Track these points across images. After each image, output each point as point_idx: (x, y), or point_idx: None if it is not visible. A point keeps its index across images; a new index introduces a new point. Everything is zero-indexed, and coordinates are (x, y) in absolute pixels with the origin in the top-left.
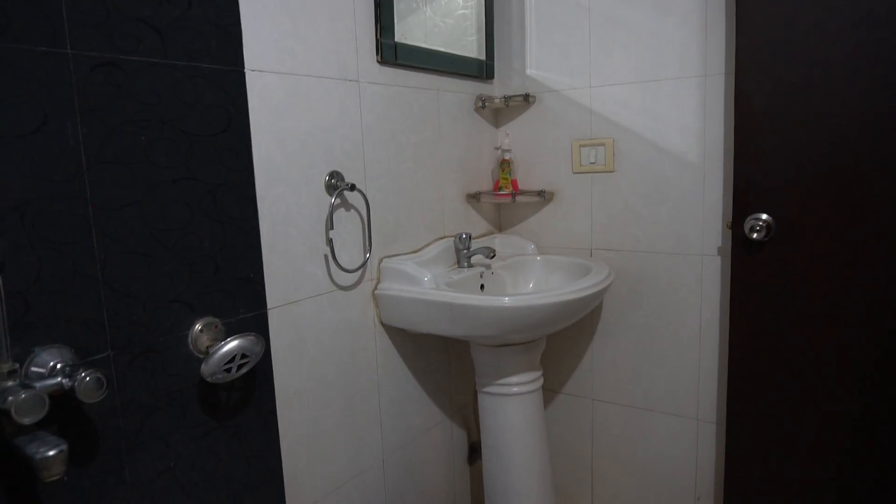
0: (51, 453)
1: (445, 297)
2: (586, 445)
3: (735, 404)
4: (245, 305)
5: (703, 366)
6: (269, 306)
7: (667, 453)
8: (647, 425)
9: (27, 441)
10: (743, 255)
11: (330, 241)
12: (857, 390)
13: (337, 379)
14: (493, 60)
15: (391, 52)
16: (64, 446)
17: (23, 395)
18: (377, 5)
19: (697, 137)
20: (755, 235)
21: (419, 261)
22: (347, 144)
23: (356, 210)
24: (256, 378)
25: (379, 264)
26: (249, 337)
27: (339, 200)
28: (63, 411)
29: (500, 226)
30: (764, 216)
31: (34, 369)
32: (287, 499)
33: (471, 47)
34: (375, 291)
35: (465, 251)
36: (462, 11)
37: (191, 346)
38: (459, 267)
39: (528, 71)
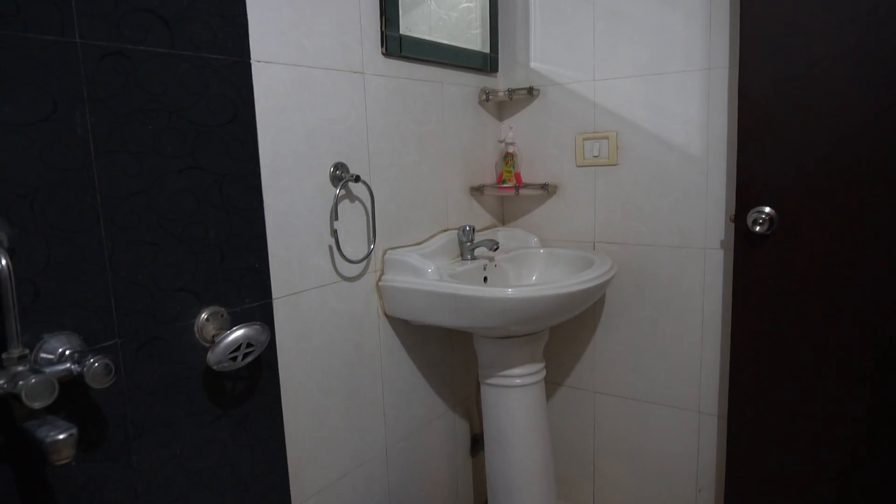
0: (61, 437)
1: (449, 289)
2: (588, 438)
3: (737, 397)
4: (250, 295)
5: (705, 359)
6: (274, 296)
7: (668, 446)
8: (648, 418)
9: (37, 425)
10: (745, 249)
11: (335, 233)
12: (859, 384)
13: (341, 369)
14: (497, 53)
15: (396, 45)
16: (74, 430)
17: (33, 380)
18: None
19: (701, 131)
20: (758, 228)
21: (423, 253)
22: (352, 136)
23: (360, 202)
24: (261, 367)
25: (383, 256)
26: (255, 326)
27: (343, 192)
28: (72, 397)
29: (503, 219)
30: (767, 209)
31: (43, 355)
32: (291, 487)
33: (475, 40)
34: (379, 283)
35: (468, 244)
36: (466, 4)
37: (197, 335)
38: (463, 259)
39: (532, 64)
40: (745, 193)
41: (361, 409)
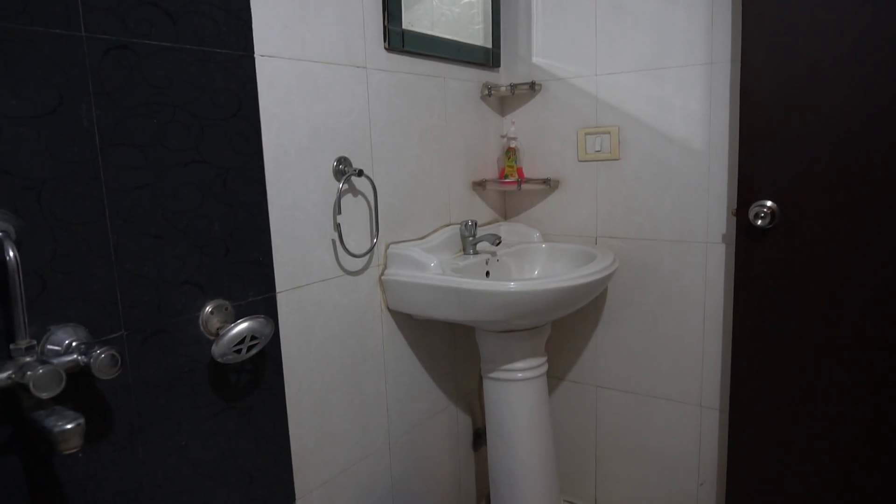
0: (69, 426)
1: (451, 283)
2: (590, 432)
3: (738, 391)
4: (254, 288)
5: (707, 353)
6: (277, 290)
7: (670, 439)
8: (650, 412)
9: (45, 415)
10: (747, 242)
11: (338, 227)
12: (860, 377)
13: (344, 363)
14: (499, 48)
15: (399, 40)
16: (81, 420)
17: (40, 370)
18: None
19: (702, 125)
20: (759, 222)
21: (426, 247)
22: (355, 130)
23: (363, 196)
24: (265, 360)
25: (386, 250)
26: (259, 319)
27: (346, 186)
28: (78, 389)
29: (505, 213)
30: (769, 203)
31: (50, 347)
32: (295, 479)
33: (477, 35)
34: (382, 277)
35: (470, 238)
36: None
37: (201, 328)
38: (465, 254)
39: (534, 59)
40: (747, 187)
41: (364, 403)
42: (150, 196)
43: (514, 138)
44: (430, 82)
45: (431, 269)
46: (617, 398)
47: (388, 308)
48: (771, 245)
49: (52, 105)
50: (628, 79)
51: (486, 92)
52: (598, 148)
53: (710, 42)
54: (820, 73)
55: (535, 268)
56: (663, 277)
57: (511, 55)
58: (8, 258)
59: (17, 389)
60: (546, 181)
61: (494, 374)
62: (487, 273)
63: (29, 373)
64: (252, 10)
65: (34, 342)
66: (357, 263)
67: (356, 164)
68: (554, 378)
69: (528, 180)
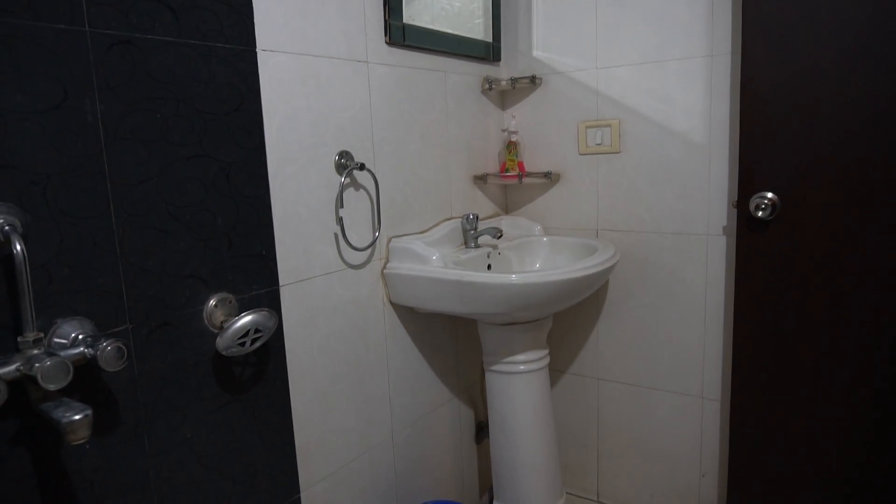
0: (77, 417)
1: (453, 276)
2: (592, 424)
3: (739, 382)
4: (258, 282)
5: (708, 344)
6: (280, 283)
7: (672, 431)
8: (652, 404)
9: (53, 406)
10: (748, 234)
11: (340, 220)
12: (861, 367)
13: (347, 356)
14: (499, 42)
15: (399, 34)
16: (89, 411)
17: (48, 363)
18: None
19: (703, 117)
20: (760, 214)
21: (427, 240)
22: (357, 125)
23: (365, 190)
24: (269, 353)
25: (388, 244)
26: (263, 312)
27: (348, 180)
28: (85, 381)
29: (506, 207)
30: (769, 194)
31: (57, 340)
32: (300, 472)
33: (477, 29)
34: (384, 270)
35: (472, 232)
36: None
37: (206, 321)
38: (467, 247)
39: (535, 53)
40: (748, 179)
41: (367, 396)
42: (154, 190)
43: (515, 132)
44: (430, 76)
45: (433, 263)
46: (618, 391)
47: (391, 301)
48: (772, 236)
49: (57, 100)
50: (629, 72)
51: (487, 86)
52: (598, 141)
53: (711, 34)
54: (820, 66)
55: (536, 261)
56: (664, 270)
57: (511, 49)
58: (15, 251)
59: (25, 381)
60: (547, 175)
61: (496, 367)
62: (489, 266)
63: (37, 365)
64: (253, 5)
65: (41, 335)
66: (359, 257)
67: (358, 159)
68: (556, 371)
69: (529, 174)
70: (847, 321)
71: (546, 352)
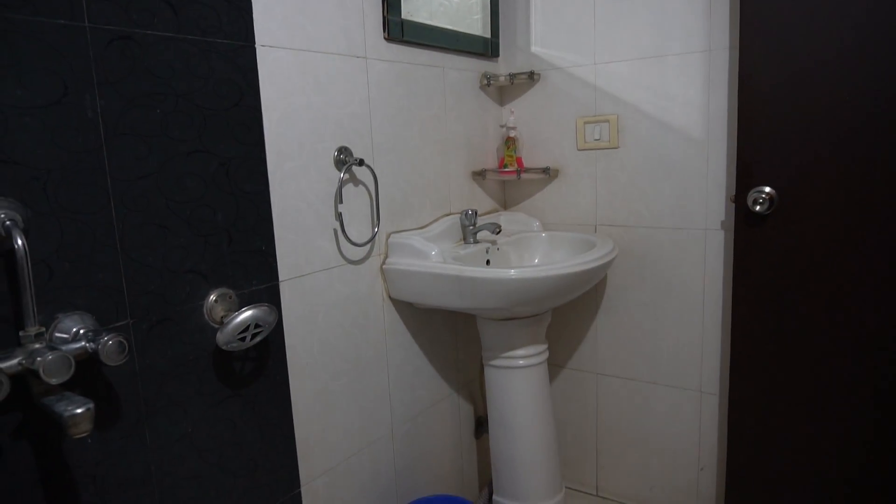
0: (79, 411)
1: (452, 270)
2: (591, 418)
3: (737, 376)
4: (258, 277)
5: (706, 339)
6: (280, 279)
7: (670, 426)
8: (650, 398)
9: (55, 400)
10: (746, 228)
11: (339, 216)
12: (859, 362)
13: (347, 351)
14: (498, 38)
15: (398, 29)
16: (91, 405)
17: (50, 356)
18: None
19: (701, 112)
20: (758, 208)
21: (426, 236)
22: (355, 120)
23: (364, 185)
24: (269, 349)
25: (387, 239)
26: (263, 307)
27: (347, 175)
28: (86, 376)
29: (505, 203)
30: (767, 189)
31: (58, 335)
32: (300, 466)
33: (476, 25)
34: (384, 266)
35: (470, 227)
36: None
37: (206, 316)
38: (465, 243)
39: (533, 48)
40: (746, 174)
41: (367, 391)
42: (154, 186)
43: (514, 128)
44: (429, 72)
45: (432, 258)
46: (617, 385)
47: (390, 297)
48: (770, 231)
49: (57, 95)
50: (627, 67)
51: (486, 82)
52: (597, 136)
53: (709, 29)
54: (819, 60)
55: (535, 256)
56: (663, 265)
57: (510, 45)
58: (16, 246)
59: (27, 376)
60: (545, 170)
61: (495, 362)
62: (488, 262)
63: (39, 359)
64: (252, 1)
65: (43, 329)
66: (358, 253)
67: (357, 154)
68: (554, 366)
69: (528, 170)
70: (845, 315)
71: (545, 347)
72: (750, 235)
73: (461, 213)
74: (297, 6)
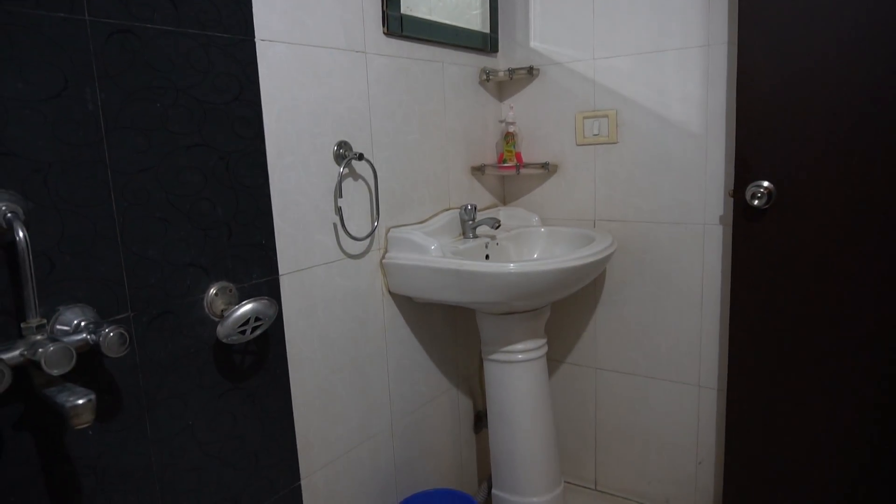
0: (80, 401)
1: (452, 265)
2: (590, 413)
3: (736, 371)
4: (258, 271)
5: (705, 333)
6: (280, 272)
7: (669, 420)
8: (649, 393)
9: (57, 391)
10: (744, 223)
11: (339, 210)
12: (856, 356)
13: (346, 345)
14: (497, 34)
15: (397, 24)
16: (92, 396)
17: (51, 348)
18: None
19: (700, 107)
20: (756, 202)
21: (426, 231)
22: (355, 115)
23: (364, 180)
24: (269, 342)
25: (386, 234)
26: (263, 300)
27: (347, 170)
28: (87, 368)
29: (504, 198)
30: (765, 183)
31: (59, 327)
32: (300, 460)
33: (475, 21)
34: (383, 260)
35: (470, 222)
36: None
37: (206, 309)
38: (465, 238)
39: (532, 44)
40: (744, 168)
41: (367, 385)
42: (154, 179)
43: (513, 123)
44: (428, 67)
45: (432, 252)
46: (616, 380)
47: (390, 291)
48: (768, 225)
49: (58, 88)
50: (626, 62)
51: (485, 77)
52: (596, 132)
53: (707, 24)
54: (816, 55)
55: (534, 251)
56: (661, 259)
57: (509, 40)
58: (18, 238)
59: (28, 367)
60: (545, 165)
61: (495, 356)
62: (487, 256)
63: (40, 350)
64: None
65: (44, 321)
66: (358, 247)
67: (356, 149)
68: (553, 361)
69: (527, 165)
70: (843, 309)
71: (544, 341)
72: (748, 230)
73: (460, 207)
74: (297, 0)
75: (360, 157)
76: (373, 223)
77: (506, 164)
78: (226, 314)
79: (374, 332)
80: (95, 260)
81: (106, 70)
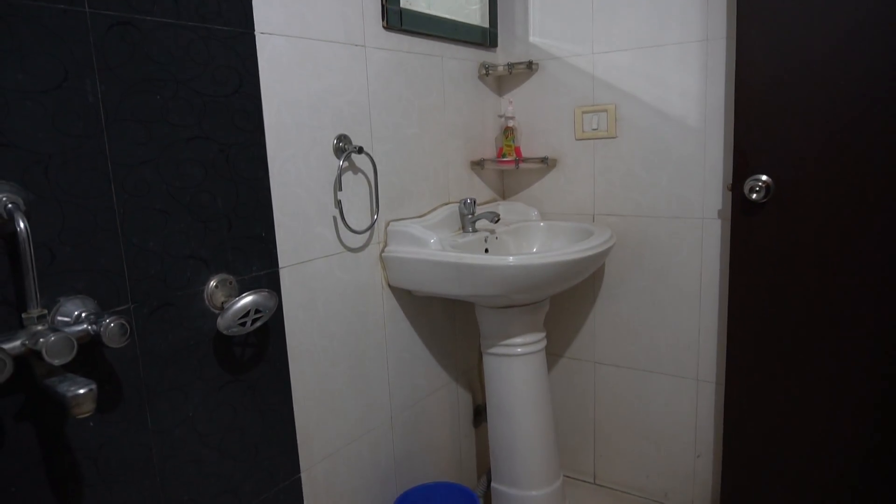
0: (81, 391)
1: (451, 258)
2: (589, 407)
3: (734, 365)
4: (258, 263)
5: (703, 327)
6: (280, 265)
7: (667, 413)
8: (648, 386)
9: (58, 381)
10: (742, 217)
11: (338, 203)
12: (855, 349)
13: (346, 338)
14: (496, 28)
15: (396, 18)
16: (93, 385)
17: (52, 337)
18: None
19: (698, 101)
20: (754, 196)
21: (425, 224)
22: (354, 108)
23: (363, 173)
24: (269, 335)
25: (386, 227)
26: (263, 293)
27: (346, 163)
28: (88, 359)
29: (503, 193)
30: (763, 177)
31: (60, 318)
32: (300, 452)
33: (474, 15)
34: (383, 254)
35: (469, 216)
36: None
37: (206, 302)
38: (464, 232)
39: (531, 38)
40: (742, 162)
41: (366, 378)
42: (154, 171)
43: (512, 118)
44: (427, 61)
45: (431, 246)
46: (614, 374)
47: (389, 285)
48: (766, 219)
49: (58, 80)
50: (625, 57)
51: (484, 71)
52: (595, 126)
53: (706, 19)
54: (815, 49)
55: (533, 245)
56: (660, 253)
57: (508, 35)
58: (19, 229)
59: (30, 358)
60: (544, 160)
61: (494, 350)
62: (486, 250)
63: (41, 340)
64: None
65: (45, 311)
66: (358, 240)
67: (356, 142)
68: (553, 355)
69: (526, 159)
70: (841, 303)
71: (543, 335)
72: (746, 223)
73: (460, 202)
74: None
75: (360, 150)
76: (372, 217)
77: (505, 159)
78: (226, 306)
79: (373, 326)
80: (96, 251)
81: (106, 62)
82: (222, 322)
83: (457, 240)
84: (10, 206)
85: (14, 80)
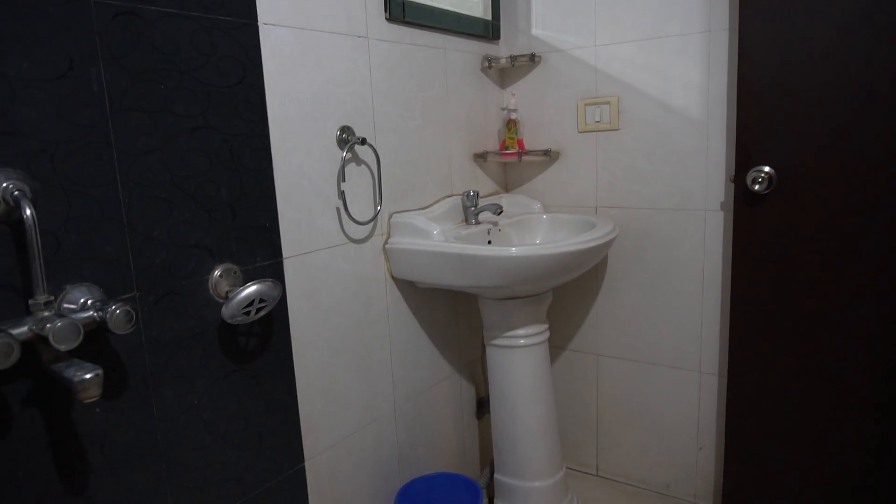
0: (88, 376)
1: (454, 249)
2: (592, 399)
3: (736, 357)
4: (262, 253)
5: (706, 320)
6: (284, 255)
7: (670, 406)
8: (650, 378)
9: (65, 367)
10: (745, 208)
11: (342, 194)
12: (857, 342)
13: (350, 329)
14: (498, 20)
15: (399, 10)
16: (100, 370)
17: (59, 323)
18: None
19: (701, 93)
20: (757, 187)
21: (429, 216)
22: (357, 100)
23: (367, 165)
24: (273, 325)
25: (389, 219)
26: (267, 282)
27: (350, 155)
28: (94, 346)
29: (506, 185)
30: (766, 168)
31: (66, 305)
32: (304, 442)
33: (477, 7)
34: (386, 245)
35: (472, 208)
36: None
37: (211, 291)
38: (467, 224)
39: (534, 31)
40: (745, 153)
41: (370, 369)
42: (159, 160)
43: (515, 110)
44: (430, 53)
45: (434, 237)
46: (617, 366)
47: (392, 276)
48: (768, 210)
49: (63, 69)
50: (627, 49)
51: (487, 64)
52: (597, 118)
53: (708, 10)
54: (818, 41)
55: (536, 237)
56: (663, 246)
57: (511, 27)
58: (25, 216)
59: (36, 343)
60: (546, 152)
61: (497, 341)
62: (489, 242)
63: (48, 325)
64: None
65: (52, 297)
66: (361, 231)
67: (359, 134)
68: (556, 347)
69: (529, 152)
70: (844, 294)
71: (546, 326)
72: (749, 215)
73: (463, 194)
74: None
75: (363, 141)
76: (376, 208)
77: (508, 151)
78: (230, 295)
79: (376, 317)
80: (101, 239)
81: (110, 51)
82: (227, 311)
83: (460, 231)
84: (16, 193)
85: (20, 69)
